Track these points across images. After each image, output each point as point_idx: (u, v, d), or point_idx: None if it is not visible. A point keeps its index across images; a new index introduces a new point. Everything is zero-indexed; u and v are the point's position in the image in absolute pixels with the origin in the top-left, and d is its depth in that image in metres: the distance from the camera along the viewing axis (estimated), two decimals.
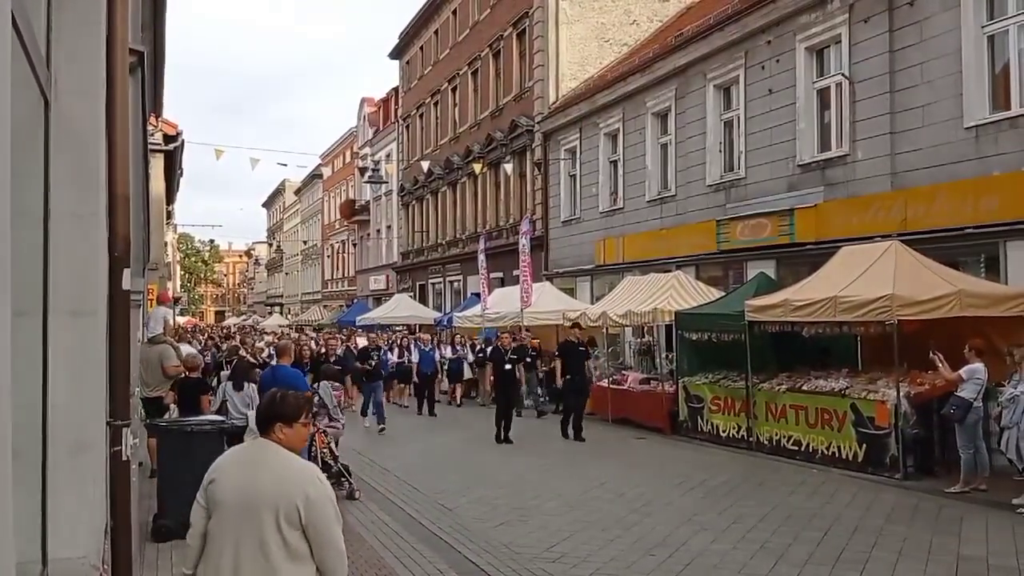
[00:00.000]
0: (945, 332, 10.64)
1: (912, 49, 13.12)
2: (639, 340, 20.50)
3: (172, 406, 10.89)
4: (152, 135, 17.76)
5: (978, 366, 9.78)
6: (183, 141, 21.40)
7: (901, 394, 10.71)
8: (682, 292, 16.09)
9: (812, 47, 15.45)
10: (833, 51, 15.12)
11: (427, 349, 20.25)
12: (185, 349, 12.41)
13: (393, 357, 20.99)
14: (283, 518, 3.23)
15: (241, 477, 3.32)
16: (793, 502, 9.51)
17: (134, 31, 5.56)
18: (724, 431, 13.62)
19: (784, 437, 12.42)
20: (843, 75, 14.46)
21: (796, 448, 12.17)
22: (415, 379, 20.14)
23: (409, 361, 20.83)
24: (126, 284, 3.77)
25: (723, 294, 15.82)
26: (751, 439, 12.88)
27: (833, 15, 14.73)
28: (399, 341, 22.29)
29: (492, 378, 16.55)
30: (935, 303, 10.40)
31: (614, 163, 22.66)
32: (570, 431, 14.69)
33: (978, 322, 10.48)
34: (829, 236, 14.19)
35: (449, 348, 21.79)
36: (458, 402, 21.03)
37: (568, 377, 15.07)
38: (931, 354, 10.00)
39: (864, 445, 11.09)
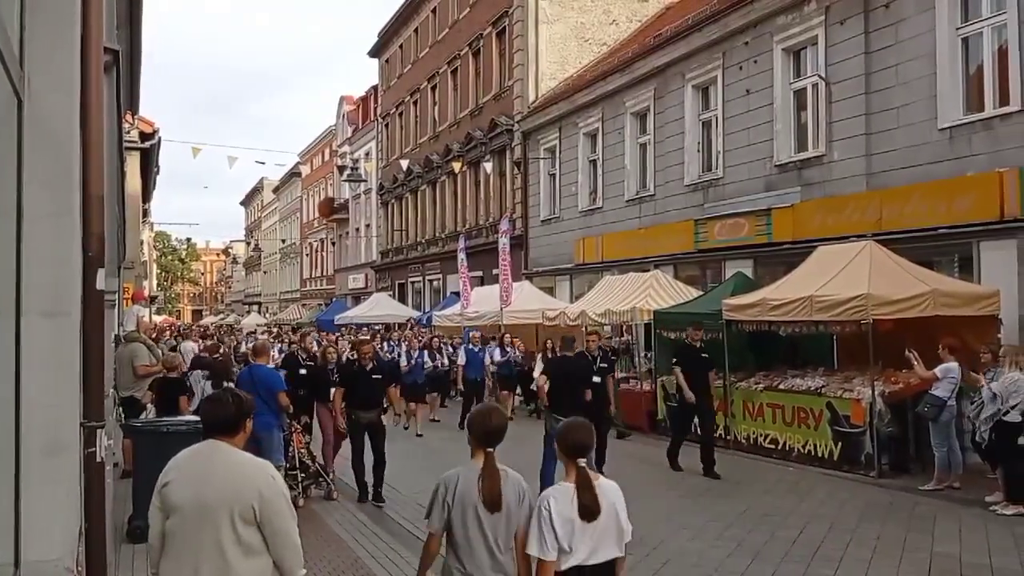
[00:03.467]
0: (919, 331, 10.76)
1: (887, 51, 13.26)
2: (618, 339, 20.55)
3: (150, 406, 10.80)
4: (128, 133, 17.63)
5: (952, 365, 9.91)
6: (160, 139, 21.26)
7: (876, 393, 10.82)
8: (660, 291, 16.17)
9: (789, 48, 15.57)
10: (810, 52, 15.24)
11: (476, 350, 17.08)
12: (188, 346, 12.32)
13: (427, 360, 17.13)
14: (238, 517, 3.28)
15: (195, 479, 3.35)
16: (769, 500, 9.58)
17: (109, 29, 5.51)
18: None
19: (761, 435, 12.52)
20: (819, 76, 14.58)
21: (773, 446, 12.27)
22: (460, 387, 16.93)
23: (442, 365, 17.69)
24: (100, 284, 3.74)
25: (701, 293, 15.92)
26: (729, 437, 12.96)
27: (810, 17, 14.85)
28: (428, 341, 18.31)
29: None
30: (909, 302, 10.52)
31: (593, 162, 22.73)
32: (677, 458, 11.70)
33: (952, 321, 10.61)
34: (806, 236, 14.31)
35: (498, 350, 17.66)
36: (509, 415, 17.71)
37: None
38: (907, 352, 10.11)
39: (840, 443, 11.20)
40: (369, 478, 9.78)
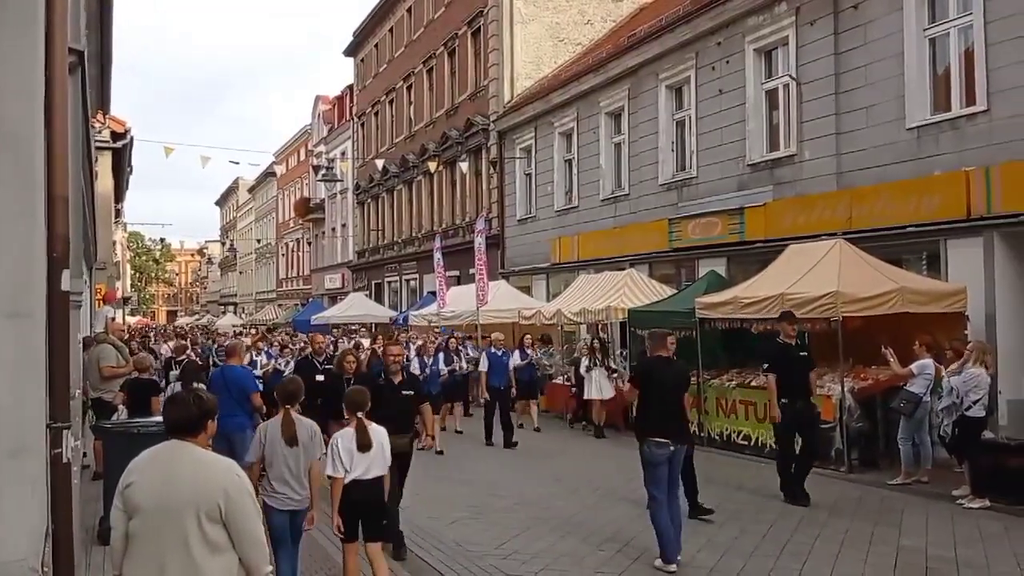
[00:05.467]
0: (888, 328, 10.91)
1: (856, 51, 13.42)
2: (593, 337, 20.63)
3: (121, 407, 10.73)
4: (99, 132, 17.48)
5: (927, 362, 10.08)
6: (132, 139, 21.10)
7: (846, 389, 10.96)
8: (635, 290, 16.28)
9: (761, 49, 15.71)
10: (781, 53, 15.39)
11: (500, 354, 15.04)
12: (163, 349, 12.23)
13: (442, 367, 15.24)
14: (204, 516, 3.32)
15: (160, 479, 3.38)
16: (741, 496, 9.68)
17: (75, 30, 5.48)
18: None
19: (734, 432, 12.64)
20: (790, 76, 14.72)
21: (746, 443, 12.39)
22: (484, 395, 14.82)
23: (460, 370, 16.00)
24: (65, 285, 3.73)
25: (675, 292, 16.03)
26: (702, 434, 13.06)
27: (780, 17, 14.99)
28: (444, 343, 16.54)
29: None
30: (878, 300, 10.67)
31: (568, 162, 22.80)
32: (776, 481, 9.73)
33: (919, 318, 10.77)
34: (778, 234, 14.44)
35: (517, 352, 15.82)
36: (535, 425, 15.60)
37: (785, 401, 9.50)
38: (883, 349, 10.24)
39: None
40: (410, 533, 8.00)
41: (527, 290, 23.15)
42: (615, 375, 15.32)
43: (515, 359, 15.42)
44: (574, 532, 8.16)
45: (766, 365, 9.87)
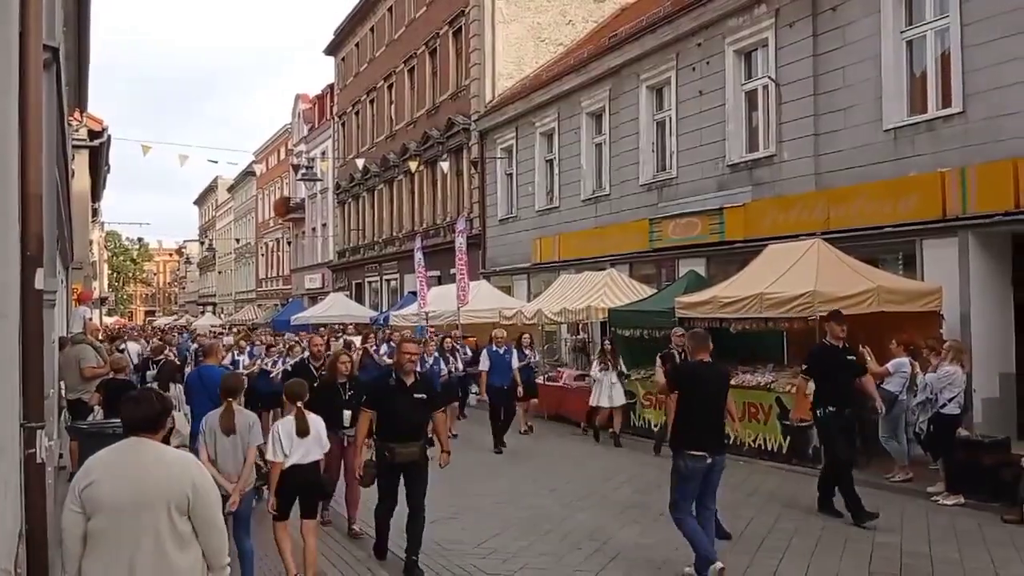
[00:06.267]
0: (864, 327, 10.99)
1: (835, 53, 13.53)
2: (574, 337, 20.72)
3: (97, 408, 10.64)
4: (76, 131, 17.32)
5: (904, 360, 10.20)
6: (109, 137, 20.92)
7: None
8: (615, 290, 16.34)
9: (740, 50, 15.80)
10: (760, 54, 15.49)
11: (502, 352, 14.11)
12: (132, 348, 12.09)
13: (442, 367, 14.56)
14: (175, 508, 3.45)
15: (128, 476, 3.44)
16: (719, 494, 9.70)
17: (50, 27, 5.44)
18: (656, 425, 13.85)
19: None
20: (769, 78, 14.82)
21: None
22: (483, 396, 14.32)
23: (456, 371, 15.39)
24: (39, 284, 3.70)
25: (655, 291, 16.09)
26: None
27: (760, 19, 15.09)
28: (440, 343, 15.83)
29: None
30: (854, 299, 10.76)
31: (550, 162, 22.84)
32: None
33: (896, 318, 10.88)
34: (757, 234, 14.54)
35: (515, 353, 14.55)
36: (526, 427, 14.96)
37: (832, 409, 8.62)
38: (860, 348, 10.32)
39: (788, 437, 11.42)
40: (397, 537, 7.19)
41: (508, 290, 23.18)
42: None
43: (514, 360, 14.28)
44: (554, 531, 8.17)
45: (804, 367, 9.06)
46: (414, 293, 24.60)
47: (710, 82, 16.37)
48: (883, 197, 12.42)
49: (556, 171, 22.33)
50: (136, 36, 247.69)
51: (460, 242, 20.42)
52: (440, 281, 26.12)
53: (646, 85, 18.47)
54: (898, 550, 7.35)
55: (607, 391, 13.67)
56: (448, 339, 16.29)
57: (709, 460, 6.67)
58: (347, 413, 7.88)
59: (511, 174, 24.83)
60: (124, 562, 3.37)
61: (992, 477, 8.95)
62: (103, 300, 42.16)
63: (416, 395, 6.93)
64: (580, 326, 18.56)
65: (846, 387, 8.70)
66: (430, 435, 7.25)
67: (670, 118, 17.73)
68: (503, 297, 21.67)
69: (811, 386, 8.90)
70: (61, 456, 10.94)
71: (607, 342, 14.59)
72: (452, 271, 22.44)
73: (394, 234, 33.71)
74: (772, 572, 6.85)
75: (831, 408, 8.59)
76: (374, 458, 7.06)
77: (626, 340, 14.94)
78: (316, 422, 6.51)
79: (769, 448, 11.67)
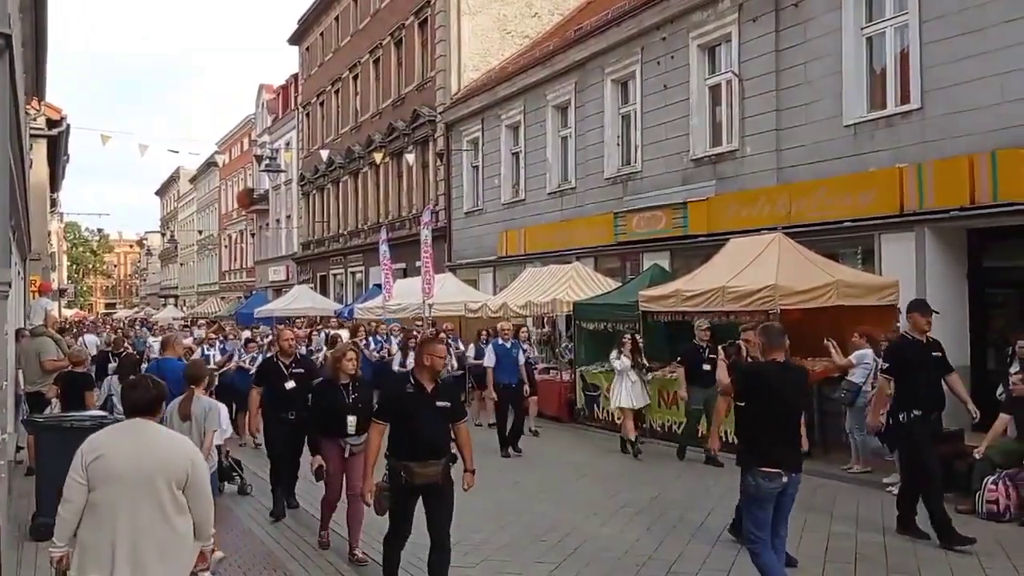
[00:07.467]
0: (825, 321, 11.16)
1: (796, 49, 13.68)
2: (540, 331, 20.75)
3: (55, 400, 10.47)
4: (33, 119, 16.99)
5: (867, 352, 10.33)
6: (68, 126, 20.56)
7: None
8: (580, 283, 16.37)
9: (704, 45, 15.91)
10: (724, 49, 15.61)
11: (508, 346, 12.84)
12: (89, 339, 11.94)
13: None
14: (174, 482, 3.90)
15: (133, 451, 3.88)
16: (680, 486, 9.85)
17: (2, 13, 5.32)
18: (619, 418, 13.90)
19: (675, 423, 12.81)
20: (733, 73, 14.95)
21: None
22: (492, 395, 12.94)
23: (452, 368, 13.74)
24: None
25: (619, 285, 16.17)
26: (644, 425, 13.20)
27: (724, 14, 15.20)
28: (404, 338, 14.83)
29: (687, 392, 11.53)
30: (814, 293, 10.91)
31: (516, 155, 22.84)
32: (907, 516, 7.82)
33: (855, 311, 11.04)
34: (720, 228, 14.67)
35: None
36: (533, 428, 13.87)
37: (918, 413, 7.55)
38: (825, 341, 10.44)
39: None
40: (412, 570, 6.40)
41: (474, 283, 23.15)
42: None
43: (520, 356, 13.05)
44: (514, 523, 8.20)
45: (886, 366, 7.93)
46: (379, 286, 24.47)
47: (674, 76, 16.46)
48: (843, 192, 12.60)
49: (522, 164, 22.34)
50: (96, 23, 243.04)
51: (425, 235, 20.33)
52: (406, 274, 26.01)
53: (611, 79, 18.53)
54: (853, 539, 7.48)
55: (628, 390, 12.08)
56: (442, 332, 14.82)
57: (784, 479, 5.74)
58: (351, 419, 7.01)
59: (477, 166, 24.80)
60: (127, 527, 3.77)
61: (946, 468, 9.11)
62: (62, 292, 41.44)
63: (439, 403, 5.82)
64: (545, 319, 18.56)
65: (932, 389, 7.65)
66: (452, 451, 5.94)
67: (635, 112, 17.80)
68: (469, 290, 21.63)
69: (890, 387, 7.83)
70: (20, 450, 10.77)
71: (632, 335, 12.52)
72: (418, 264, 22.36)
73: (359, 226, 33.51)
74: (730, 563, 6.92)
75: (916, 412, 7.53)
76: (386, 479, 5.89)
77: (590, 333, 15.00)
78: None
79: (731, 440, 11.63)
